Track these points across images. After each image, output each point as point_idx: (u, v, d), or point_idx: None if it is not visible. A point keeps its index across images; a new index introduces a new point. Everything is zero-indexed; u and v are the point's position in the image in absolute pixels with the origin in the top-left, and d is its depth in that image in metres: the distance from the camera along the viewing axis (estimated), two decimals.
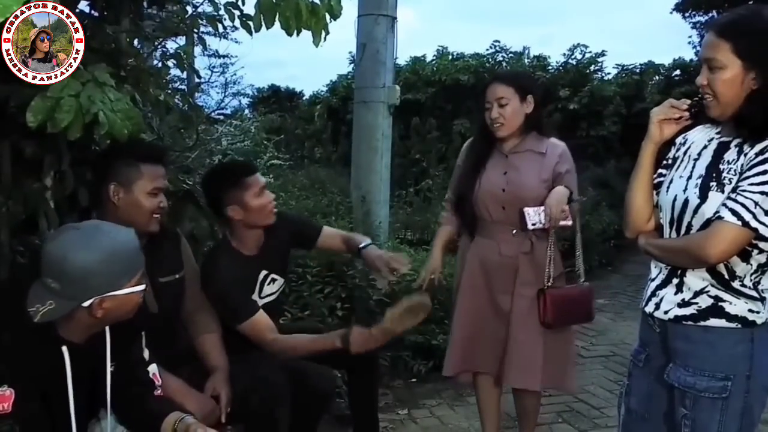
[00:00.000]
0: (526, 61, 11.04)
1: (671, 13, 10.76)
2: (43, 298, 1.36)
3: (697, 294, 1.49)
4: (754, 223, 1.38)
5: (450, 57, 10.96)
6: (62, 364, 1.43)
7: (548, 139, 2.41)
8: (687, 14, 10.68)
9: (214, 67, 7.98)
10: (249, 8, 1.94)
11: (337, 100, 11.41)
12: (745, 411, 1.46)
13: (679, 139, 1.63)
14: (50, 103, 1.49)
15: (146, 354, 1.70)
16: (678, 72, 11.07)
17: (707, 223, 1.44)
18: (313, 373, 2.16)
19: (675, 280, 1.53)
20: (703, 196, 1.46)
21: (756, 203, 1.38)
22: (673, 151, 1.64)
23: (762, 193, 1.38)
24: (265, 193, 2.15)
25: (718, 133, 1.54)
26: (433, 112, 10.15)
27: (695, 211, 1.47)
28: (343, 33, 4.90)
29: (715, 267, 1.46)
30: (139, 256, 1.48)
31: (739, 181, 1.42)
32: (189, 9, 2.28)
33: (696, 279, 1.50)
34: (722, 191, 1.44)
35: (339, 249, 2.49)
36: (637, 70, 11.14)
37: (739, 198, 1.39)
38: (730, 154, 1.47)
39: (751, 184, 1.39)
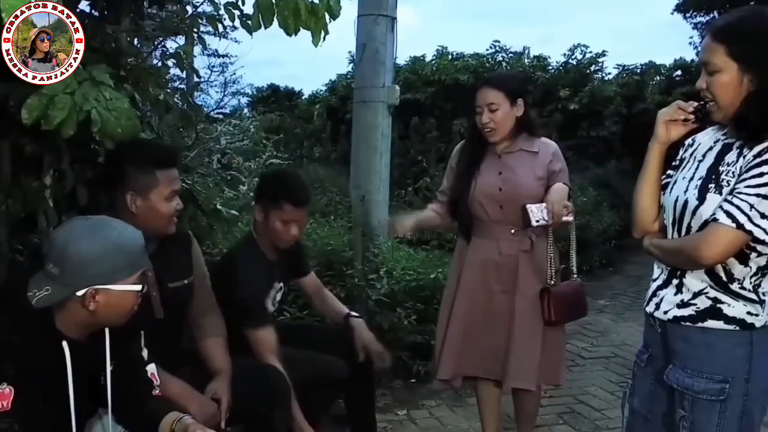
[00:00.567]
0: (526, 61, 11.00)
1: (672, 13, 10.79)
2: (41, 284, 1.38)
3: (695, 295, 1.49)
4: (748, 226, 1.37)
5: (450, 57, 10.92)
6: (63, 360, 1.43)
7: (539, 139, 2.45)
8: (688, 15, 10.69)
9: (213, 66, 8.00)
10: (249, 8, 1.95)
11: (336, 99, 11.36)
12: (744, 414, 1.46)
13: (687, 141, 1.63)
14: (45, 101, 1.49)
15: (145, 353, 1.69)
16: (679, 72, 11.07)
17: (705, 225, 1.44)
18: (325, 360, 2.25)
19: (675, 281, 1.53)
20: (702, 198, 1.46)
21: (751, 206, 1.37)
22: (681, 152, 1.64)
23: (758, 195, 1.37)
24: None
25: (724, 135, 1.53)
26: (433, 112, 10.11)
27: (694, 213, 1.47)
28: (343, 33, 4.89)
29: (713, 269, 1.46)
30: (142, 256, 1.48)
31: (736, 183, 1.41)
32: (189, 9, 2.28)
33: (695, 280, 1.49)
34: (720, 193, 1.43)
35: (317, 302, 2.56)
36: (638, 71, 11.11)
37: (735, 200, 1.39)
38: (731, 156, 1.46)
39: (747, 186, 1.38)
